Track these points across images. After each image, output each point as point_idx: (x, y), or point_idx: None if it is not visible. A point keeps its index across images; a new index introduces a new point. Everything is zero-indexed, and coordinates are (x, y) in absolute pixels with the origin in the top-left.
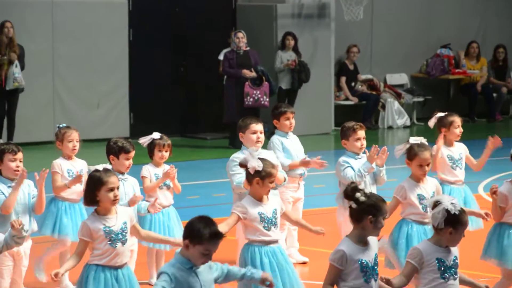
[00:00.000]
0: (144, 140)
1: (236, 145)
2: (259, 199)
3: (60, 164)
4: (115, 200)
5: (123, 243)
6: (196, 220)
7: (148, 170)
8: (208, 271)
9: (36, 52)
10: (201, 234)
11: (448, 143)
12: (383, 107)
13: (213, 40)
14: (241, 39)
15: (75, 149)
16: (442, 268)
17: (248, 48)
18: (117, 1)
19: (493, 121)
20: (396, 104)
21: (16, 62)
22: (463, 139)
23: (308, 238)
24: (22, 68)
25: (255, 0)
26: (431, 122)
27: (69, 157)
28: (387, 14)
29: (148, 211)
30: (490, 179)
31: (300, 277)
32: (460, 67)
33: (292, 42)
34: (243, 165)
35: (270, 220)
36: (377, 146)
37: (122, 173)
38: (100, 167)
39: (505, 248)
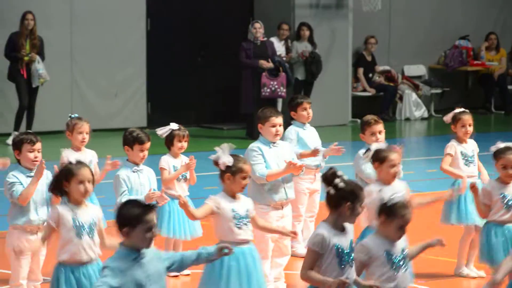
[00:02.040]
0: (163, 131)
1: (253, 135)
2: (232, 196)
3: (68, 156)
4: (85, 193)
5: (90, 237)
6: (122, 206)
7: (167, 162)
8: (157, 261)
9: (54, 41)
10: (137, 213)
11: (460, 140)
12: (401, 98)
13: (230, 30)
14: (258, 30)
15: (84, 141)
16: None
17: (265, 39)
18: None
19: (510, 113)
20: (414, 95)
21: (38, 58)
22: (479, 131)
23: None
24: (43, 59)
25: None
26: (448, 117)
27: (78, 149)
28: (405, 5)
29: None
30: None
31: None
32: (479, 58)
33: (307, 33)
34: (216, 162)
35: (243, 219)
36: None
37: (137, 164)
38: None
39: (493, 248)
